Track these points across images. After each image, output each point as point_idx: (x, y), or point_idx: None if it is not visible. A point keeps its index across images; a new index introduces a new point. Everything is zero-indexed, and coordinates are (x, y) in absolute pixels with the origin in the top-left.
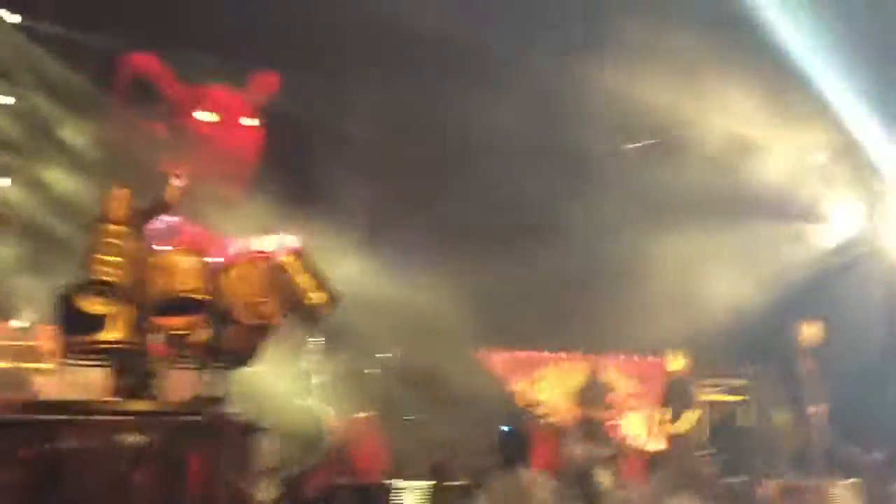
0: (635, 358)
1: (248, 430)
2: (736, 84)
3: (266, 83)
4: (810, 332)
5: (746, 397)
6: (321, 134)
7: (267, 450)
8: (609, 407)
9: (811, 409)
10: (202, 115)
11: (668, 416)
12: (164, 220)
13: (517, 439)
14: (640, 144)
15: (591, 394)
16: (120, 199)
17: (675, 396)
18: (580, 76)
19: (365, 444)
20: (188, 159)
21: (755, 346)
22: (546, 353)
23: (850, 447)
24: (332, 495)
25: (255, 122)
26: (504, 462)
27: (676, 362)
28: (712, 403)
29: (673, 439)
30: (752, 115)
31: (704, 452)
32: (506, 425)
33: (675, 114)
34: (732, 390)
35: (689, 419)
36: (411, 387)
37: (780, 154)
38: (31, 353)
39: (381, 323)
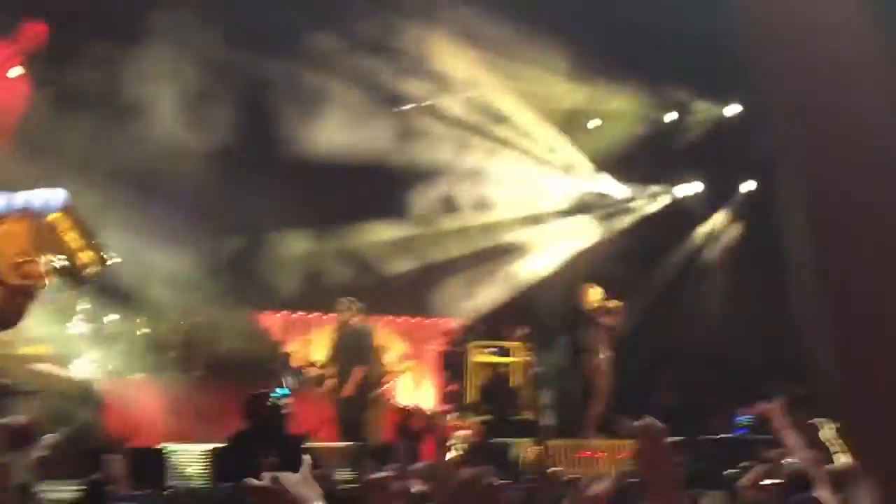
0: (401, 318)
1: (16, 392)
2: None
3: (34, 33)
4: (593, 295)
5: (516, 358)
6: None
7: (30, 413)
8: (382, 367)
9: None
10: None
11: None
12: None
13: (265, 401)
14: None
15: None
16: None
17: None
18: None
19: (139, 407)
20: None
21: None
22: (318, 314)
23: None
24: (103, 459)
25: (22, 72)
26: (262, 420)
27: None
28: (484, 364)
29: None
30: None
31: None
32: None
33: None
34: (502, 352)
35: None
36: (188, 347)
37: None
38: None
39: (153, 285)
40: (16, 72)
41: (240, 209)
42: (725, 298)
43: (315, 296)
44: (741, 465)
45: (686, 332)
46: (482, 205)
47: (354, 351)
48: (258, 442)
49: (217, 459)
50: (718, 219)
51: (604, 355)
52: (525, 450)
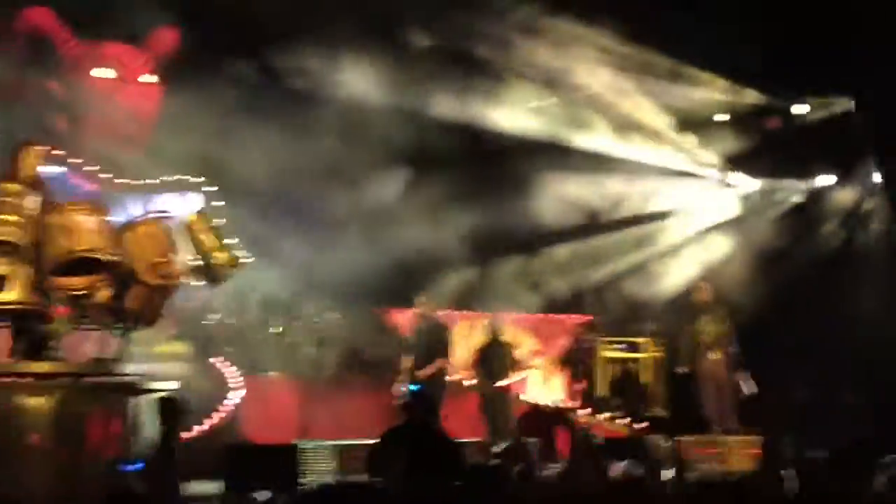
0: (530, 315)
1: (151, 390)
2: None
3: (166, 39)
4: (699, 292)
5: (645, 355)
6: (225, 92)
7: (166, 410)
8: (512, 365)
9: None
10: (100, 72)
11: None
12: (65, 180)
13: (425, 398)
14: None
15: (494, 353)
16: (33, 157)
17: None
18: None
19: (273, 405)
20: (85, 117)
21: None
22: (448, 311)
23: None
24: (233, 455)
25: (154, 78)
26: (411, 421)
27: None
28: (613, 360)
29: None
30: None
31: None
32: (413, 385)
33: None
34: (632, 348)
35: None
36: (321, 346)
37: None
38: None
39: (286, 284)
40: (148, 78)
41: (371, 210)
42: (866, 294)
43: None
44: None
45: (826, 327)
46: (615, 201)
47: (432, 345)
48: (412, 438)
49: (370, 455)
50: (856, 209)
51: (717, 354)
52: (658, 445)
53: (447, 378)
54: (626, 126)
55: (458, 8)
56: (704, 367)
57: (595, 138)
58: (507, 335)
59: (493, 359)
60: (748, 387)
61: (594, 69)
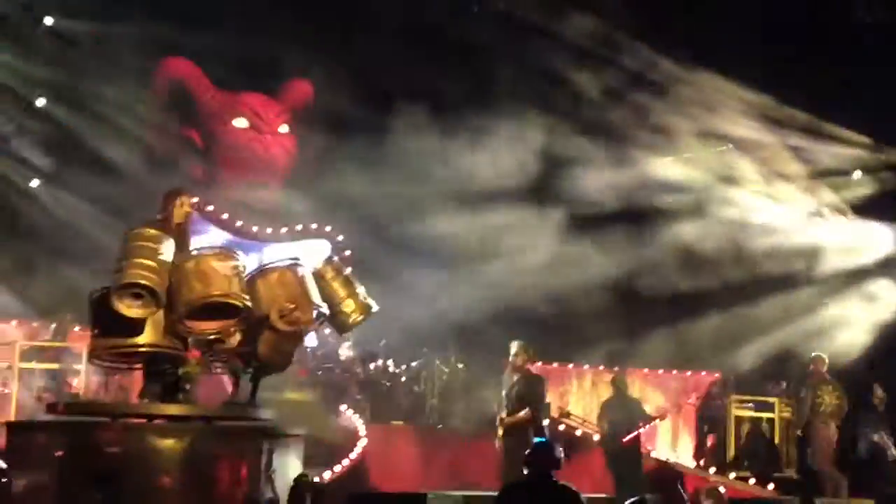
0: (660, 372)
1: (278, 435)
2: None
3: (301, 91)
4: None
5: (777, 414)
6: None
7: (297, 455)
8: (638, 421)
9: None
10: (238, 122)
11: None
12: (200, 227)
13: (548, 451)
14: None
15: (620, 407)
16: (183, 205)
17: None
18: None
19: (398, 452)
20: (222, 165)
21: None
22: (573, 366)
23: None
24: (360, 503)
25: (289, 129)
26: (537, 473)
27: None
28: (744, 418)
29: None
30: None
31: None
32: (538, 437)
33: None
34: (764, 407)
35: None
36: (444, 397)
37: None
38: (68, 355)
39: (413, 333)
40: (284, 128)
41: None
42: None
43: (568, 347)
44: None
45: None
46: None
47: (526, 396)
48: (533, 491)
49: None
50: None
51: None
52: None
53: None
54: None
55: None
56: (820, 434)
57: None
58: (634, 390)
59: (619, 413)
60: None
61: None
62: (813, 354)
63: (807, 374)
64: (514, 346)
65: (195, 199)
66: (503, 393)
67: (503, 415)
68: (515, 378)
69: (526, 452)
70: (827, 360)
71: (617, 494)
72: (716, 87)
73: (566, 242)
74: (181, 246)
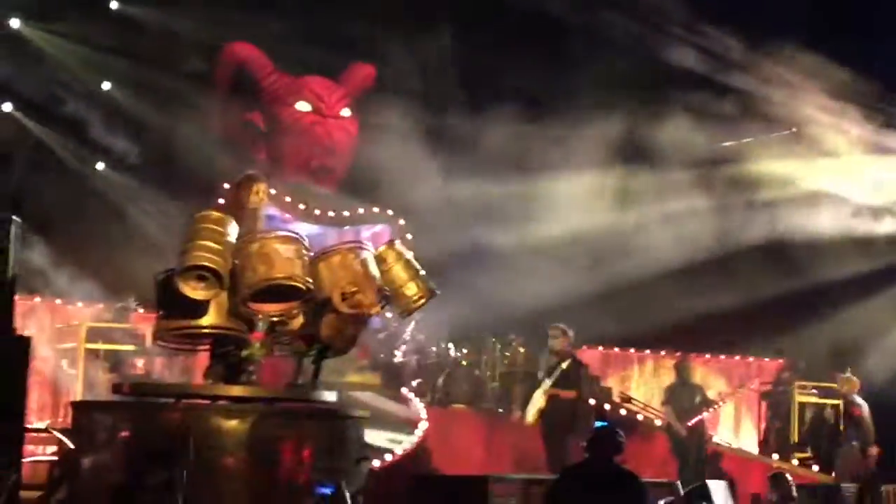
0: (722, 357)
1: (342, 417)
2: None
3: (363, 74)
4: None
5: (838, 401)
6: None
7: (358, 438)
8: (701, 406)
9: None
10: (300, 106)
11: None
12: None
13: (610, 435)
14: None
15: (682, 393)
16: (258, 192)
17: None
18: None
19: (458, 436)
20: (286, 149)
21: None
22: (635, 351)
23: None
24: (422, 487)
25: (351, 113)
26: (597, 456)
27: None
28: (808, 405)
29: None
30: None
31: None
32: (600, 420)
33: None
34: (828, 393)
35: None
36: (507, 381)
37: None
38: (132, 336)
39: (475, 317)
40: (346, 112)
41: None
42: None
43: (632, 333)
44: None
45: None
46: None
47: (570, 376)
48: (592, 474)
49: (549, 491)
50: None
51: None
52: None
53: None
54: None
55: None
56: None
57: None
58: (696, 376)
59: (682, 399)
60: None
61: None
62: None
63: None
64: (553, 330)
65: (267, 185)
66: (541, 376)
67: (546, 387)
68: (556, 361)
69: (588, 438)
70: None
71: (679, 479)
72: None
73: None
74: (254, 232)
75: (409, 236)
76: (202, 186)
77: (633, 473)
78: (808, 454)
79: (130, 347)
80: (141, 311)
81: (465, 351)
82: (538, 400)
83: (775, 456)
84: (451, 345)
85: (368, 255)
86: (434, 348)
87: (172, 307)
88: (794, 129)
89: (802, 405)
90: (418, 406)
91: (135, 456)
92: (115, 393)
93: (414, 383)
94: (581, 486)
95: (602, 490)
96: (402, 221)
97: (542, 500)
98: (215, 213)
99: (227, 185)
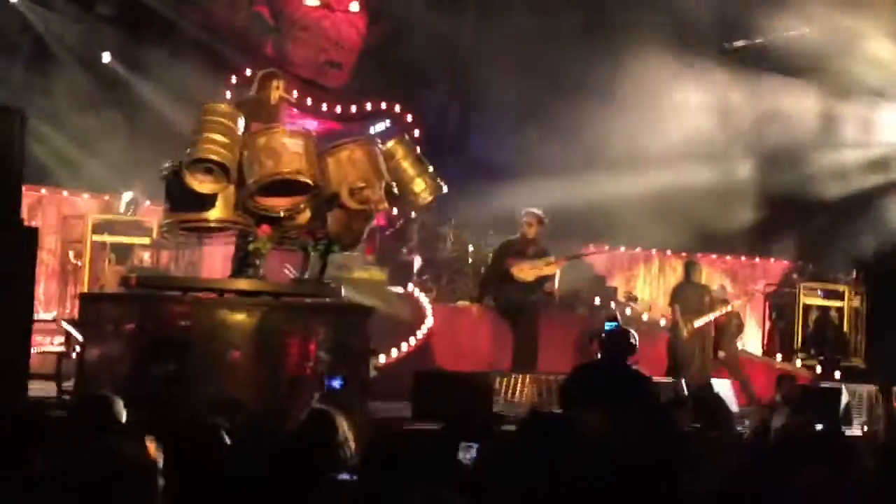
0: (728, 258)
1: (348, 312)
2: None
3: None
4: None
5: (842, 303)
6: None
7: (365, 333)
8: (709, 306)
9: None
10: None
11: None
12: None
13: (621, 334)
14: None
15: (686, 292)
16: (277, 87)
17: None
18: None
19: (464, 333)
20: (291, 43)
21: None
22: (641, 251)
23: None
24: (427, 382)
25: (360, 7)
26: (611, 356)
27: None
28: (813, 307)
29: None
30: None
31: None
32: (609, 321)
33: None
34: (829, 295)
35: None
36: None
37: None
38: (139, 229)
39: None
40: (355, 6)
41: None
42: None
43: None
44: None
45: None
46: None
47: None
48: (606, 375)
49: (563, 388)
50: None
51: None
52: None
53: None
54: None
55: None
56: None
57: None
58: (701, 276)
59: (690, 298)
60: None
61: None
62: None
63: None
64: (526, 215)
65: (285, 81)
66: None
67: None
68: (530, 250)
69: (601, 335)
70: None
71: (683, 379)
72: None
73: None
74: (252, 122)
75: (416, 132)
76: (210, 81)
77: (644, 375)
78: (812, 356)
79: (137, 240)
80: (148, 203)
81: (471, 248)
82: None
83: (779, 357)
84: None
85: (376, 150)
86: (440, 245)
87: (179, 200)
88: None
89: (808, 307)
90: (424, 302)
91: (141, 348)
92: (123, 285)
93: (419, 279)
94: (595, 385)
95: (616, 389)
96: (409, 117)
97: (556, 395)
98: (223, 106)
99: (234, 79)
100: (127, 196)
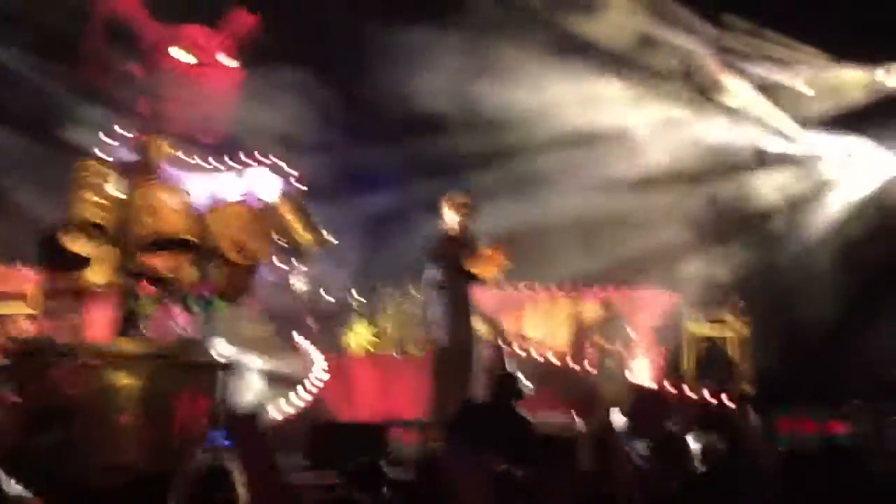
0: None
1: (234, 367)
2: None
3: (244, 22)
4: None
5: (731, 332)
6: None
7: (253, 388)
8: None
9: None
10: (179, 55)
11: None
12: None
13: (512, 379)
14: None
15: (611, 328)
16: (160, 147)
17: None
18: None
19: (355, 382)
20: (165, 100)
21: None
22: (530, 290)
23: None
24: (322, 434)
25: (233, 62)
26: (498, 401)
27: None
28: (699, 337)
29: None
30: None
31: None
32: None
33: None
34: (718, 324)
35: None
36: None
37: None
38: (16, 296)
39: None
40: (227, 60)
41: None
42: None
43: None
44: None
45: None
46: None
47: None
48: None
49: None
50: None
51: None
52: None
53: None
54: None
55: None
56: None
57: None
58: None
59: (614, 334)
60: None
61: None
62: None
63: None
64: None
65: (171, 140)
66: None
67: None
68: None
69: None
70: None
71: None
72: None
73: None
74: (130, 181)
75: (302, 187)
76: (83, 147)
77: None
78: (703, 384)
79: (15, 309)
80: (20, 268)
81: (362, 300)
82: None
83: (670, 388)
84: (346, 293)
85: (260, 204)
86: (328, 297)
87: (57, 263)
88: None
89: (694, 336)
90: (313, 353)
91: (28, 417)
92: (4, 354)
93: (308, 331)
94: (479, 422)
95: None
96: (294, 172)
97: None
98: (96, 164)
99: (107, 139)
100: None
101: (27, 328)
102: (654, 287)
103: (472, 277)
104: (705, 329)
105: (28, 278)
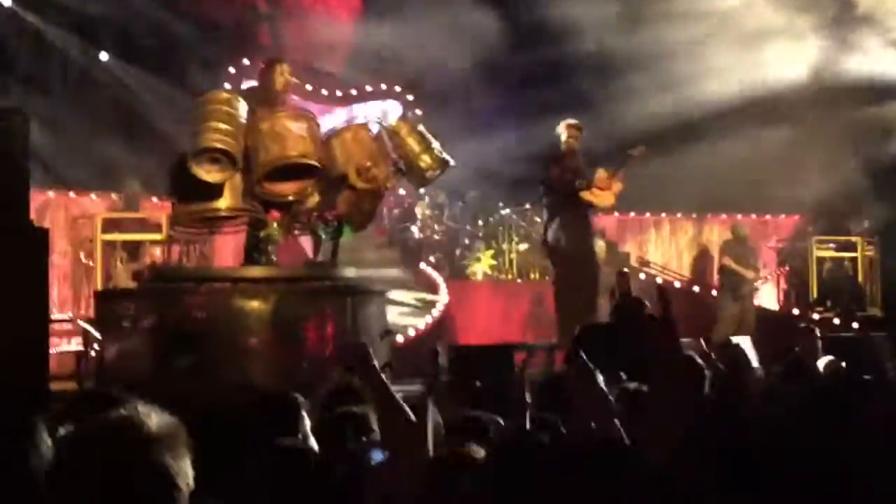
0: (739, 217)
1: (362, 293)
2: None
3: None
4: None
5: (856, 254)
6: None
7: (380, 313)
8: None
9: None
10: None
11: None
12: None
13: (640, 304)
14: None
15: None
16: (282, 73)
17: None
18: None
19: (478, 307)
20: (288, 29)
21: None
22: (651, 215)
23: None
24: (450, 357)
25: None
26: (618, 318)
27: None
28: (826, 259)
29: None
30: None
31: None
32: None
33: None
34: (846, 247)
35: None
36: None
37: None
38: (147, 226)
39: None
40: None
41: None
42: None
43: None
44: None
45: None
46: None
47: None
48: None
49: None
50: None
51: None
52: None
53: None
54: None
55: None
56: None
57: None
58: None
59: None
60: None
61: None
62: None
63: None
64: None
65: (290, 67)
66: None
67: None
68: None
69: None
70: None
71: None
72: None
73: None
74: (256, 108)
75: (418, 112)
76: (207, 73)
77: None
78: (829, 308)
79: (147, 237)
80: (154, 199)
81: (480, 223)
82: None
83: (795, 311)
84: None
85: (381, 129)
86: (450, 223)
87: (187, 192)
88: None
89: (821, 259)
90: (437, 280)
91: (159, 342)
92: (136, 280)
93: (432, 258)
94: (606, 341)
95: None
96: (410, 97)
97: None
98: (222, 94)
99: (232, 70)
100: (127, 190)
101: (158, 256)
102: (781, 211)
103: (589, 205)
104: (832, 252)
105: (161, 207)
